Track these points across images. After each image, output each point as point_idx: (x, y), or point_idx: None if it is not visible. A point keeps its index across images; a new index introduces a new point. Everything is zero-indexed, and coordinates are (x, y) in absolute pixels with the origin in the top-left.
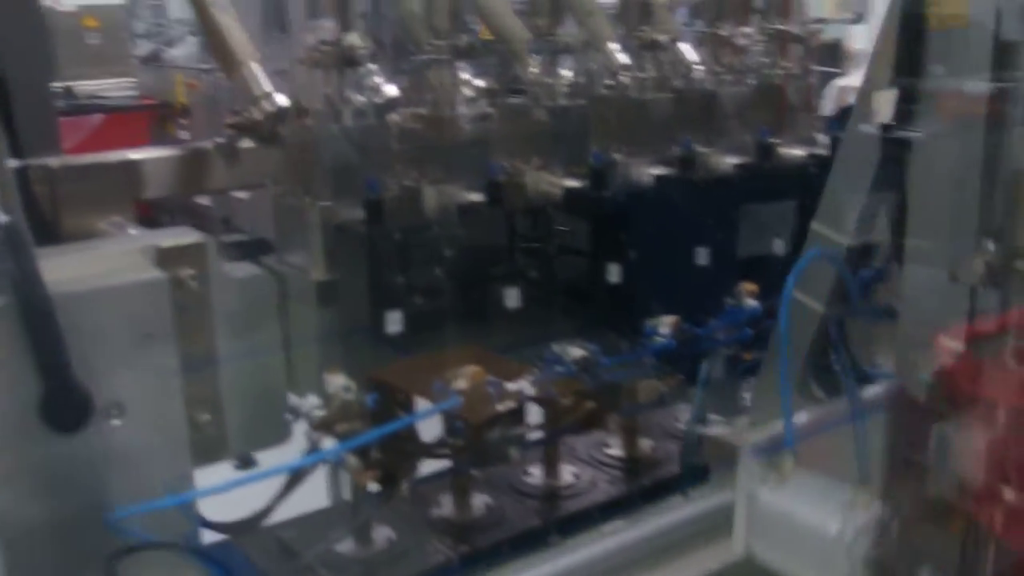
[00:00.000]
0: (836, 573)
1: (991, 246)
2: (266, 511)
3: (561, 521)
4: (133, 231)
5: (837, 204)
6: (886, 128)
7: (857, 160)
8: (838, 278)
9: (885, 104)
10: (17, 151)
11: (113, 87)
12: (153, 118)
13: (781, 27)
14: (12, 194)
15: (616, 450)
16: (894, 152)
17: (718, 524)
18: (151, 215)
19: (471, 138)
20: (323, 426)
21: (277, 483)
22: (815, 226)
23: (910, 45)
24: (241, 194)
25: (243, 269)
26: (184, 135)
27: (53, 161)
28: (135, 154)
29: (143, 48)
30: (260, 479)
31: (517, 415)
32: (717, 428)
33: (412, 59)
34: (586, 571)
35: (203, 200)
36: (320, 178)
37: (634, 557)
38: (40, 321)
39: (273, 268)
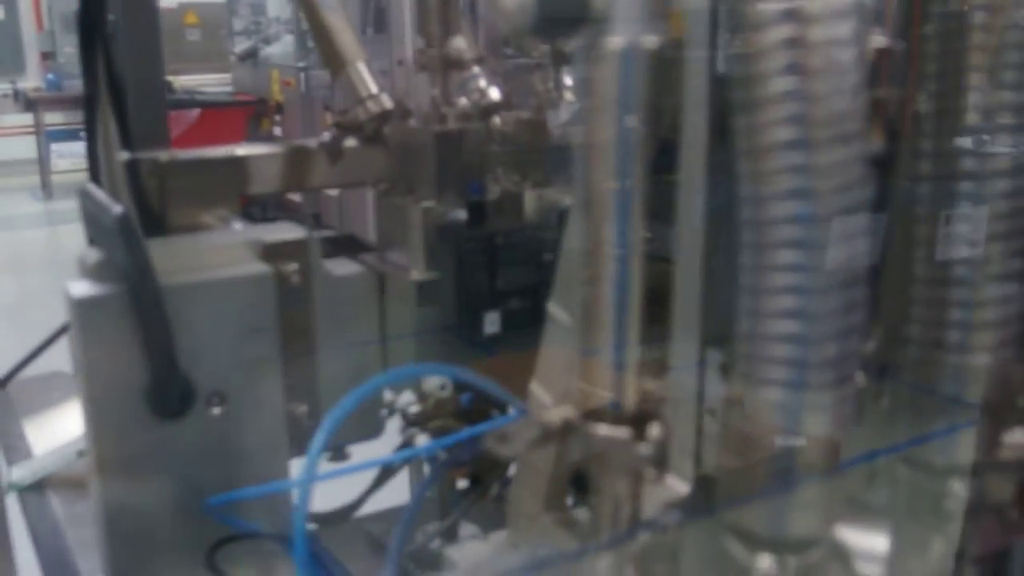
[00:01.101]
0: None
1: None
2: (357, 503)
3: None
4: (238, 225)
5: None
6: None
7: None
8: None
9: None
10: (128, 144)
11: (210, 83)
12: (248, 114)
13: None
14: (122, 186)
15: None
16: None
17: None
18: (243, 209)
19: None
20: (417, 422)
21: (366, 476)
22: (551, 308)
23: None
24: (331, 191)
25: (344, 266)
26: (278, 132)
27: (162, 155)
28: (241, 150)
29: (241, 45)
30: (357, 471)
31: None
32: None
33: (509, 62)
34: None
35: (294, 196)
36: (423, 179)
37: None
38: (150, 311)
39: (372, 266)
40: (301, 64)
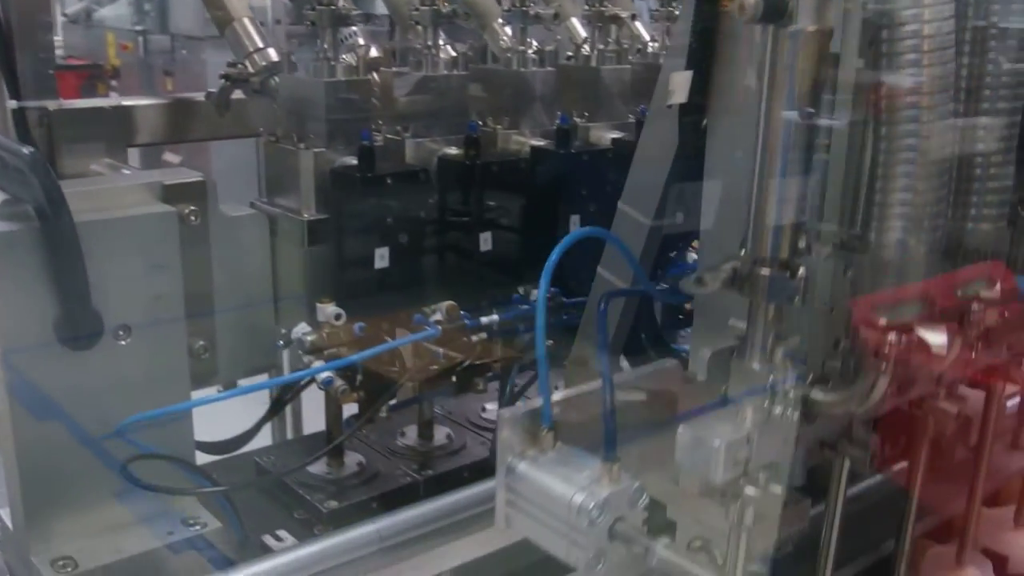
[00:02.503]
0: (579, 542)
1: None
2: (255, 429)
3: None
4: (127, 171)
5: (641, 186)
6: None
7: (658, 141)
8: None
9: (681, 85)
10: (16, 94)
11: None
12: (82, 79)
13: None
14: (10, 133)
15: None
16: (691, 135)
17: None
18: None
19: (450, 98)
20: (314, 351)
21: (254, 413)
22: (621, 206)
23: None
24: (171, 157)
25: (237, 209)
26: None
27: (50, 104)
28: (129, 101)
29: (72, 6)
30: (255, 390)
31: (487, 348)
32: None
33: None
34: None
35: (134, 163)
36: (314, 126)
37: None
38: (65, 245)
39: (263, 209)
40: (139, 27)
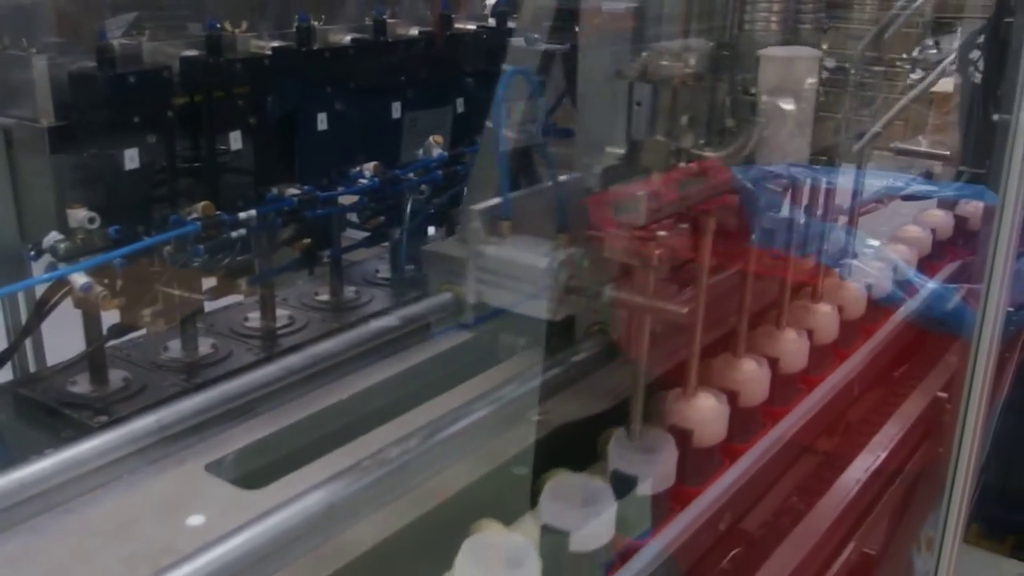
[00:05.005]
0: (545, 295)
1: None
2: (12, 348)
3: (280, 354)
4: None
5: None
6: None
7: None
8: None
9: None
10: None
11: None
12: None
13: None
14: None
15: (325, 295)
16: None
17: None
18: None
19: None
20: (68, 257)
21: None
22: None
23: None
24: None
25: None
26: None
27: None
28: None
29: None
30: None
31: (247, 244)
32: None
33: None
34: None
35: None
36: (44, 32)
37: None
38: None
39: None
40: None
